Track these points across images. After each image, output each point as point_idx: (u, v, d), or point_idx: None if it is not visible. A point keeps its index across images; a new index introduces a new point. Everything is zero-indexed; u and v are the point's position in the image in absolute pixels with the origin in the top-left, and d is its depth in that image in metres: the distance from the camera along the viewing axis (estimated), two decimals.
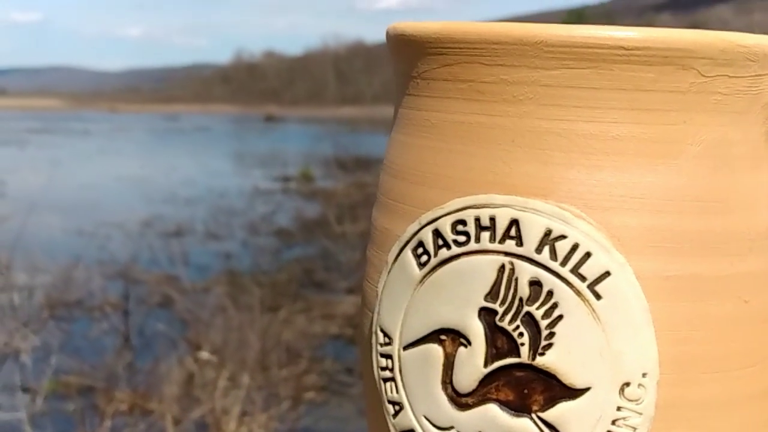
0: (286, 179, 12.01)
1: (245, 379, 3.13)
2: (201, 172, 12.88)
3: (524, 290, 0.39)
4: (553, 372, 0.38)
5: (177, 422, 2.91)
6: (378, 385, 0.43)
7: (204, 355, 3.50)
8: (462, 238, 0.40)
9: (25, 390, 3.04)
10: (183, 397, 3.09)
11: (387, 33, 0.45)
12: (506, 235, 0.39)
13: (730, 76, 0.39)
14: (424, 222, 0.41)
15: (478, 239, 0.39)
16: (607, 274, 0.38)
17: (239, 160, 15.35)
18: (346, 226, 7.46)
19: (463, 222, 0.40)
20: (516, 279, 0.39)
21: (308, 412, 3.45)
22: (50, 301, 3.74)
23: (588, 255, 0.38)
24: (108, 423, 2.87)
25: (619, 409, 0.38)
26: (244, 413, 3.00)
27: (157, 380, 3.26)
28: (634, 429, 0.38)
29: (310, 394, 3.68)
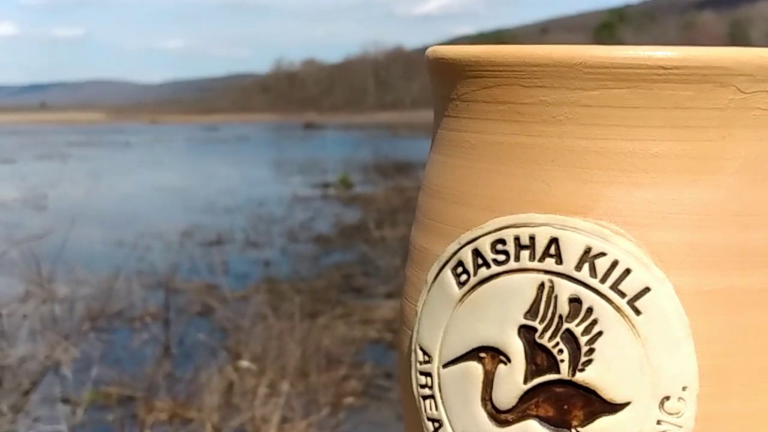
0: (325, 186, 12.04)
1: (285, 386, 3.14)
2: (241, 180, 12.94)
3: (564, 307, 0.39)
4: (593, 387, 0.39)
5: (217, 431, 2.92)
6: (417, 403, 0.43)
7: (244, 363, 3.51)
8: (501, 257, 0.40)
9: (66, 401, 3.06)
10: (223, 406, 3.09)
11: (426, 56, 0.46)
12: (546, 254, 0.39)
13: None
14: (463, 241, 0.41)
15: (517, 258, 0.40)
16: (647, 289, 0.38)
17: (278, 168, 15.41)
18: (386, 231, 7.46)
19: (502, 241, 0.40)
20: (555, 296, 0.39)
21: (348, 417, 3.45)
22: (91, 313, 3.77)
23: (627, 271, 0.39)
24: None
25: (659, 422, 0.39)
26: (284, 420, 3.01)
27: (197, 389, 3.27)
28: None
29: (349, 400, 3.68)
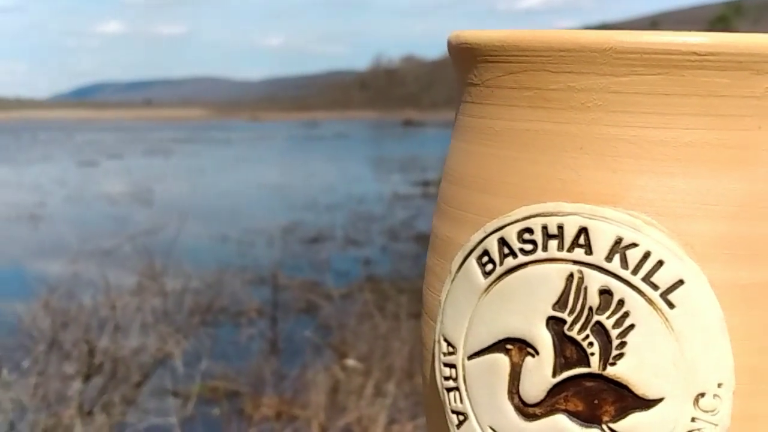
0: (425, 184, 12.02)
1: (391, 386, 3.13)
2: (340, 178, 13.02)
3: (594, 299, 0.38)
4: (624, 382, 0.38)
5: (323, 429, 2.92)
6: (441, 395, 0.43)
7: (350, 362, 3.52)
8: (529, 247, 0.39)
9: (175, 395, 3.11)
10: (329, 405, 3.10)
11: (449, 41, 0.45)
12: (575, 244, 0.38)
13: None
14: (489, 230, 0.40)
15: (545, 248, 0.39)
16: (681, 282, 0.37)
17: (378, 166, 15.46)
18: None
19: (529, 230, 0.39)
20: (585, 288, 0.38)
21: None
22: (199, 307, 3.82)
23: (660, 263, 0.37)
24: (254, 429, 2.91)
25: (693, 420, 0.37)
26: (391, 421, 3.00)
27: (303, 387, 3.29)
28: None
29: None
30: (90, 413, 2.77)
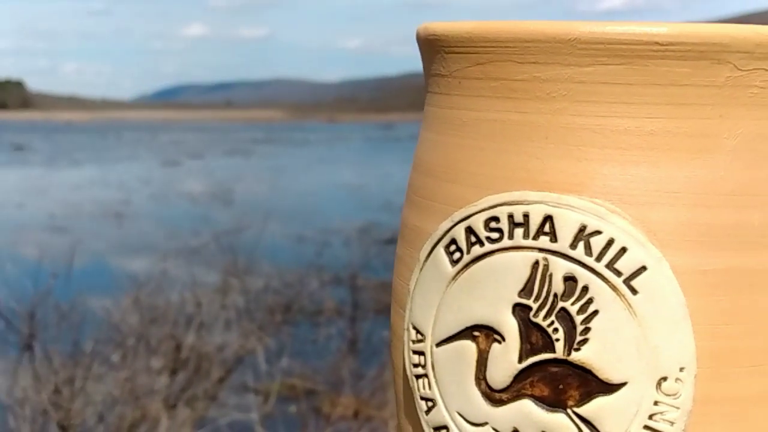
0: None
1: None
2: None
3: (559, 286, 0.39)
4: (588, 367, 0.38)
5: (400, 430, 2.93)
6: (410, 382, 0.43)
7: None
8: (495, 235, 0.40)
9: (256, 391, 3.14)
10: None
11: (417, 33, 0.46)
12: (540, 232, 0.39)
13: (766, 70, 0.39)
14: (456, 219, 0.41)
15: (511, 236, 0.39)
16: (644, 268, 0.38)
17: None
18: None
19: (496, 219, 0.40)
20: (550, 275, 0.39)
21: None
22: (278, 306, 3.86)
23: (624, 250, 0.38)
24: (331, 428, 2.93)
25: (656, 403, 0.38)
26: None
27: (381, 387, 3.29)
28: (672, 423, 0.38)
29: None
30: (174, 407, 2.81)
